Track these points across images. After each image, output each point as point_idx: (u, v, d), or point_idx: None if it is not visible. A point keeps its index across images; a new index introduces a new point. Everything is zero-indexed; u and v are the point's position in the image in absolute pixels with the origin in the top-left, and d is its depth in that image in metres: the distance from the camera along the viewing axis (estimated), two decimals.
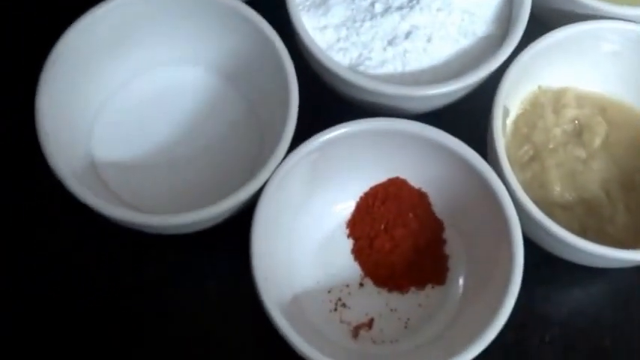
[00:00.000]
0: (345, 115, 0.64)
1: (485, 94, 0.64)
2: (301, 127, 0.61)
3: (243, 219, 0.60)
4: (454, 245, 0.65)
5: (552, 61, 0.67)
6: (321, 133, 0.61)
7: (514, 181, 0.60)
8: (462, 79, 0.62)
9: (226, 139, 0.67)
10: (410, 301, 0.64)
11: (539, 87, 0.68)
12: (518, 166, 0.66)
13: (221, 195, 0.60)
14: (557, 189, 0.65)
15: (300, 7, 0.65)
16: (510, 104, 0.67)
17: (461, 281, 0.64)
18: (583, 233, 0.64)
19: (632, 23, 0.65)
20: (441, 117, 0.66)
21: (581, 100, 0.69)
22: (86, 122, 0.66)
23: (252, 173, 0.61)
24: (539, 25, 0.68)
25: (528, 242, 0.61)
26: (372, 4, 0.64)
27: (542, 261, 0.64)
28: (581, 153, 0.67)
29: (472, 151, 0.61)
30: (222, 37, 0.66)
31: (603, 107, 0.69)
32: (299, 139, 0.61)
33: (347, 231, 0.66)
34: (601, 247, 0.59)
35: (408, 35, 0.64)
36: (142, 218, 0.59)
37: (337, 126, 0.62)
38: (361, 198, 0.66)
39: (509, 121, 0.67)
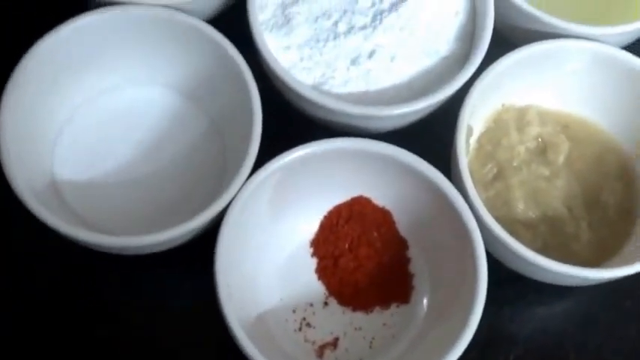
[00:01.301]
0: (311, 133, 0.64)
1: (450, 111, 0.65)
2: (266, 145, 0.61)
3: (208, 237, 0.59)
4: (418, 264, 0.65)
5: (516, 79, 0.67)
6: (284, 154, 0.61)
7: (477, 199, 0.60)
8: (425, 99, 0.62)
9: (189, 158, 0.67)
10: (375, 320, 0.64)
11: (503, 105, 0.69)
12: (482, 184, 0.66)
13: (185, 214, 0.59)
14: (521, 207, 0.65)
15: (264, 27, 0.65)
16: (474, 122, 0.67)
17: (425, 300, 0.64)
18: (547, 251, 0.64)
19: (593, 42, 0.66)
20: (405, 135, 0.66)
21: (544, 117, 0.69)
22: (48, 141, 0.65)
23: (216, 192, 0.61)
24: (504, 42, 0.68)
25: (493, 260, 0.61)
26: (336, 24, 0.64)
27: (506, 279, 0.64)
28: (545, 171, 0.67)
29: (434, 170, 0.61)
30: (186, 57, 0.66)
31: (566, 124, 0.69)
32: (264, 157, 0.61)
33: (311, 250, 0.66)
34: (563, 265, 0.59)
35: (371, 55, 0.64)
36: (101, 239, 0.58)
37: (300, 146, 0.61)
38: (325, 217, 0.66)
39: (473, 139, 0.68)
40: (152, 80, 0.68)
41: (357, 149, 0.62)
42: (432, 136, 0.66)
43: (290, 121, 0.67)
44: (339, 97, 0.63)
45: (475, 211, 0.60)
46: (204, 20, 0.65)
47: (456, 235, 0.61)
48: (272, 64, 0.62)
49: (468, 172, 0.61)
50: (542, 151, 0.68)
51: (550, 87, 0.69)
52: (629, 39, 0.68)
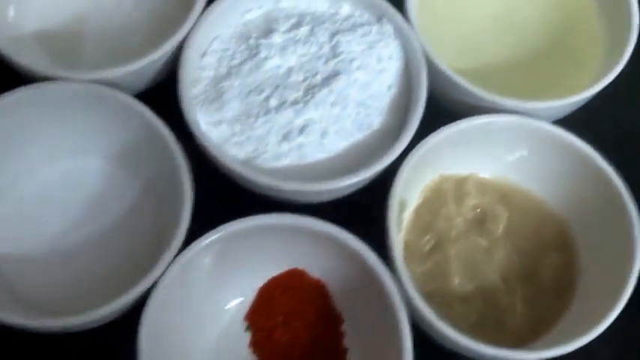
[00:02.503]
0: (246, 204, 0.64)
1: (389, 181, 0.64)
2: (202, 217, 0.61)
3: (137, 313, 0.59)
4: (352, 339, 0.65)
5: (453, 151, 0.67)
6: (219, 229, 0.61)
7: (406, 275, 0.60)
8: (355, 175, 0.62)
9: (125, 226, 0.67)
10: None
11: (441, 175, 0.69)
12: (419, 256, 0.66)
13: (117, 288, 0.59)
14: (457, 280, 0.65)
15: (196, 101, 0.65)
16: (411, 193, 0.67)
17: None
18: (481, 326, 0.64)
19: (527, 117, 0.66)
20: (345, 204, 0.66)
21: (483, 187, 0.69)
22: None
23: (149, 264, 0.61)
24: (445, 112, 0.68)
25: (426, 337, 0.61)
26: (267, 99, 0.65)
27: (439, 357, 0.63)
28: (483, 242, 0.67)
29: (363, 246, 0.61)
30: (116, 129, 0.66)
31: (505, 194, 0.69)
32: (199, 230, 0.61)
33: (246, 323, 0.65)
34: (492, 348, 0.59)
35: (302, 130, 0.64)
36: (15, 319, 0.58)
37: (234, 222, 0.61)
38: (261, 289, 0.66)
39: (411, 210, 0.68)
40: (84, 150, 0.68)
41: (291, 225, 0.62)
42: (368, 208, 0.66)
43: (227, 192, 0.67)
44: (271, 171, 0.63)
45: (404, 288, 0.60)
46: (137, 93, 0.65)
47: (384, 312, 0.60)
48: (202, 140, 0.62)
49: (397, 247, 0.61)
50: (481, 221, 0.68)
51: (488, 158, 0.69)
52: (560, 113, 0.68)
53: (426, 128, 0.65)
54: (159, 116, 0.64)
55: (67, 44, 0.71)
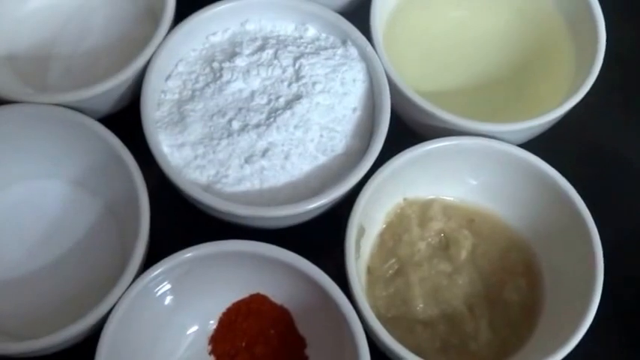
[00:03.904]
0: (210, 228, 0.64)
1: (352, 206, 0.64)
2: (164, 241, 0.62)
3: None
4: None
5: (417, 174, 0.67)
6: (177, 254, 0.61)
7: (364, 302, 0.60)
8: (316, 200, 0.62)
9: (84, 253, 0.66)
10: None
11: (405, 199, 0.68)
12: (383, 280, 0.66)
13: (79, 312, 0.59)
14: (420, 305, 0.64)
15: (159, 124, 0.65)
16: (375, 217, 0.67)
17: None
18: (445, 351, 0.63)
19: (491, 139, 0.65)
20: (305, 230, 0.66)
21: (448, 211, 0.68)
22: None
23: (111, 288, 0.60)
24: (412, 134, 0.68)
25: None
26: (230, 122, 0.64)
27: None
28: (447, 267, 0.66)
29: (321, 274, 0.60)
30: (81, 154, 0.66)
31: (471, 219, 0.68)
32: (160, 254, 0.61)
33: (209, 347, 0.65)
34: None
35: (264, 153, 0.64)
36: None
37: (194, 248, 0.61)
38: (224, 314, 0.65)
39: (375, 234, 0.67)
40: (45, 173, 0.68)
41: (251, 252, 0.61)
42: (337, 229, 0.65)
43: (191, 214, 0.67)
44: (232, 196, 0.63)
45: (362, 313, 0.59)
46: (102, 116, 0.65)
47: (344, 336, 0.60)
48: (162, 165, 0.62)
49: (353, 273, 0.60)
50: (445, 246, 0.67)
51: (452, 180, 0.68)
52: (526, 136, 0.68)
53: (393, 150, 0.65)
54: (123, 139, 0.64)
55: (34, 67, 0.71)
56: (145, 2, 0.73)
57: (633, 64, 0.78)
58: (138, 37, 0.71)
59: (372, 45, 0.67)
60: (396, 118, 0.67)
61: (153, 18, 0.71)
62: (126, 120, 0.66)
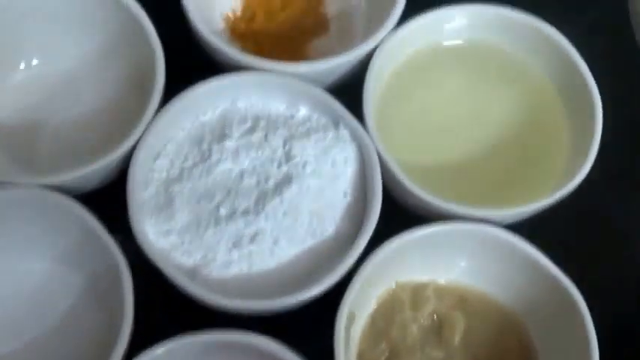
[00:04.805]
0: (196, 312, 0.63)
1: (343, 290, 0.62)
2: (150, 326, 0.61)
3: None
4: None
5: (409, 259, 0.65)
6: (160, 345, 0.60)
7: None
8: (307, 291, 0.61)
9: (65, 334, 0.65)
10: None
11: (397, 282, 0.67)
12: None
13: None
14: None
15: (145, 209, 0.64)
16: (366, 301, 0.65)
17: None
18: None
19: (486, 225, 0.65)
20: (295, 316, 0.64)
21: (441, 292, 0.67)
22: None
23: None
24: (399, 213, 0.67)
25: None
26: (217, 207, 0.63)
27: None
28: (439, 354, 0.65)
29: None
30: (61, 234, 0.65)
31: (464, 298, 0.67)
32: (144, 340, 0.60)
33: None
34: None
35: (253, 238, 0.63)
36: None
37: (177, 338, 0.60)
38: None
39: (365, 316, 0.66)
40: (24, 252, 0.66)
41: (238, 342, 0.60)
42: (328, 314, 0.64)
43: (177, 298, 0.65)
44: (219, 282, 0.62)
45: None
46: (88, 191, 0.65)
47: None
48: (147, 251, 0.61)
49: None
50: (438, 330, 0.66)
51: (447, 264, 0.67)
52: (521, 218, 0.67)
53: (384, 230, 0.64)
54: (107, 218, 0.62)
55: (22, 139, 0.70)
56: (133, 71, 0.72)
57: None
58: (127, 105, 0.70)
59: (364, 127, 0.66)
60: (386, 194, 0.66)
61: (141, 86, 0.69)
62: (113, 192, 0.65)
